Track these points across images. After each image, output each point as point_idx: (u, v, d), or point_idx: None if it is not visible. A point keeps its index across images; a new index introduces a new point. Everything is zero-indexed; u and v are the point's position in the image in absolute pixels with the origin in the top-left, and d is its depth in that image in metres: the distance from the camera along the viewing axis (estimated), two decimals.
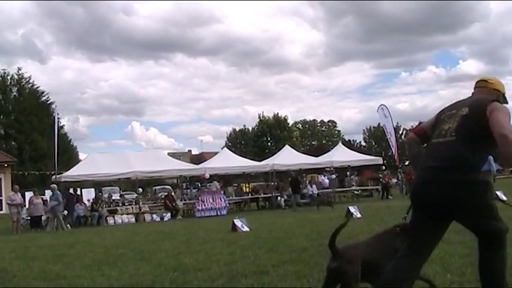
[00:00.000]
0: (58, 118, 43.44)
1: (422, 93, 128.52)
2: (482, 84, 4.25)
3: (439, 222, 3.81)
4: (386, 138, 35.39)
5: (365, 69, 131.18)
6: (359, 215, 15.42)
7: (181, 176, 29.87)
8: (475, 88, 4.30)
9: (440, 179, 3.67)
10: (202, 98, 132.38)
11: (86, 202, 24.62)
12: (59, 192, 20.65)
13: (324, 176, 33.77)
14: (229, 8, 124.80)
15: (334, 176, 32.54)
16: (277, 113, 69.92)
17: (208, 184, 30.47)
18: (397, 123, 63.01)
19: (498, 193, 18.65)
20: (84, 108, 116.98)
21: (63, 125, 56.85)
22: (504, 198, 18.34)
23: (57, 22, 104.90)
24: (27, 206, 21.98)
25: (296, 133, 77.26)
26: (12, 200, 20.05)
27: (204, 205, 23.79)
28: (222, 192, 26.43)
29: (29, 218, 21.55)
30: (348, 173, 33.20)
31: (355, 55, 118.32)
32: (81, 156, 55.28)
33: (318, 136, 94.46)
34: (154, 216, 23.17)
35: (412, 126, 75.71)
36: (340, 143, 37.88)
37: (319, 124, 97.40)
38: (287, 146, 33.44)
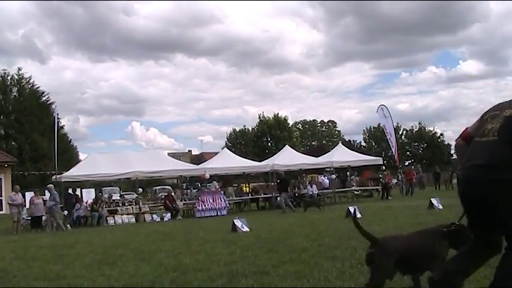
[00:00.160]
0: (58, 118, 43.53)
1: (422, 94, 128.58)
2: None
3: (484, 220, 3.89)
4: (386, 139, 35.38)
5: (365, 69, 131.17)
6: (359, 215, 15.39)
7: (181, 176, 29.86)
8: None
9: (482, 177, 3.77)
10: (202, 98, 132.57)
11: (85, 204, 24.56)
12: (56, 192, 20.65)
13: (324, 176, 33.76)
14: (229, 8, 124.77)
15: (334, 176, 32.54)
16: (278, 113, 69.96)
17: (208, 184, 30.48)
18: (397, 123, 63.03)
19: None
20: (84, 108, 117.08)
21: (63, 125, 56.95)
22: None
23: (57, 22, 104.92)
24: (27, 206, 21.99)
25: (296, 133, 77.18)
26: (13, 200, 20.05)
27: (204, 205, 23.80)
28: (222, 192, 26.43)
29: (29, 218, 21.57)
30: (347, 173, 33.20)
31: (355, 55, 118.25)
32: (81, 156, 55.38)
33: (318, 136, 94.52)
34: (155, 216, 23.18)
35: (412, 126, 75.89)
36: (340, 143, 37.85)
37: (319, 124, 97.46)
38: (287, 146, 33.45)
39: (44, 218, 20.82)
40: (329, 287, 5.64)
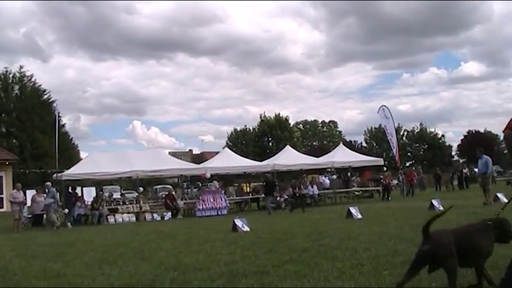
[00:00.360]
0: (59, 117, 43.57)
1: (423, 95, 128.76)
2: None
3: None
4: (387, 139, 35.34)
5: (366, 70, 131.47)
6: (359, 216, 15.41)
7: (182, 175, 29.82)
8: None
9: None
10: (203, 98, 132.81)
11: (86, 202, 24.55)
12: (53, 189, 20.67)
13: (325, 176, 33.75)
14: (231, 8, 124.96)
15: (335, 177, 32.52)
16: (279, 113, 69.98)
17: (209, 184, 30.50)
18: (398, 124, 63.01)
19: (499, 195, 18.69)
20: (85, 107, 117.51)
21: (65, 124, 57.07)
22: (505, 200, 18.35)
23: (59, 21, 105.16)
24: (29, 204, 22.00)
25: (297, 133, 77.24)
26: (14, 197, 20.05)
27: (205, 205, 23.82)
28: (223, 192, 26.44)
29: (30, 216, 21.60)
30: (348, 173, 33.18)
31: (357, 56, 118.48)
32: (83, 155, 55.39)
33: (319, 136, 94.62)
34: (155, 215, 23.20)
35: (413, 127, 75.87)
36: (341, 144, 37.89)
37: (320, 125, 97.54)
38: (288, 146, 33.46)
39: (45, 216, 20.86)
40: (329, 287, 5.64)
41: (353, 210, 15.77)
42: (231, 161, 28.44)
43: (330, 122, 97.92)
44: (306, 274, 6.32)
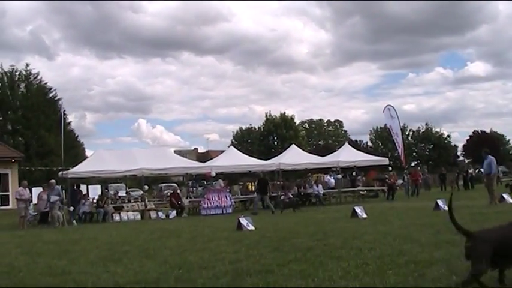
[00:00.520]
0: (65, 114, 43.75)
1: (428, 95, 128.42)
2: None
3: None
4: (393, 139, 35.25)
5: (372, 69, 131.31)
6: (364, 216, 15.38)
7: (187, 173, 29.84)
8: None
9: None
10: (208, 97, 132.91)
11: (91, 200, 24.61)
12: (58, 187, 20.70)
13: (330, 175, 33.71)
14: (236, 7, 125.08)
15: (340, 176, 32.45)
16: (284, 112, 69.94)
17: (214, 182, 30.51)
18: (404, 124, 62.81)
19: (505, 196, 18.63)
20: (90, 105, 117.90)
21: (70, 122, 57.27)
22: (511, 201, 18.31)
23: (65, 19, 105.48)
24: (35, 202, 22.04)
25: (302, 132, 77.20)
26: (21, 195, 20.09)
27: (210, 203, 23.82)
28: (228, 190, 26.44)
29: (36, 213, 21.65)
30: (353, 173, 33.12)
31: (362, 55, 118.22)
32: (88, 152, 55.56)
33: (324, 136, 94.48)
34: (160, 213, 23.21)
35: (418, 127, 75.69)
36: (346, 143, 37.83)
37: (325, 124, 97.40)
38: (293, 146, 33.41)
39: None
40: (334, 287, 5.63)
41: (358, 209, 15.74)
42: (236, 160, 28.44)
43: (335, 121, 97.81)
44: (311, 273, 6.31)
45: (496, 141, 66.66)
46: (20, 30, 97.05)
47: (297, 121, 74.85)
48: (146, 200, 25.09)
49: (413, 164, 63.07)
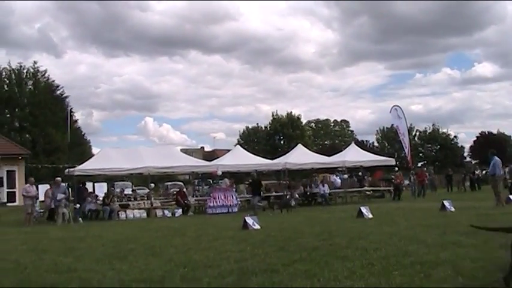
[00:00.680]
0: (72, 112, 43.89)
1: (435, 95, 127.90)
2: None
3: None
4: (399, 139, 35.15)
5: (378, 69, 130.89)
6: (370, 216, 15.35)
7: (193, 172, 29.84)
8: None
9: None
10: (215, 95, 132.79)
11: (97, 197, 24.66)
12: (63, 184, 20.75)
13: (336, 175, 33.65)
14: (244, 6, 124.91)
15: (346, 176, 32.38)
16: (291, 112, 69.86)
17: (220, 181, 30.51)
18: (411, 124, 62.55)
19: (511, 197, 18.56)
20: (97, 102, 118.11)
21: (77, 119, 57.39)
22: None
23: (73, 17, 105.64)
24: (41, 199, 22.10)
25: (309, 132, 77.09)
26: (27, 191, 20.15)
27: (216, 202, 23.82)
28: (234, 189, 26.44)
29: (42, 210, 21.71)
30: (360, 173, 33.05)
31: (369, 55, 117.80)
32: (94, 150, 55.67)
33: (330, 136, 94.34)
34: (166, 211, 23.23)
35: (425, 128, 75.46)
36: (352, 143, 37.75)
37: (332, 124, 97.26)
38: (300, 145, 33.35)
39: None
40: (339, 287, 5.62)
41: (364, 209, 15.71)
42: (243, 159, 28.44)
43: (341, 121, 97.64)
44: (316, 273, 6.31)
45: (503, 142, 66.32)
46: (28, 27, 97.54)
47: (304, 121, 74.82)
48: (152, 198, 25.11)
49: (419, 165, 62.79)
